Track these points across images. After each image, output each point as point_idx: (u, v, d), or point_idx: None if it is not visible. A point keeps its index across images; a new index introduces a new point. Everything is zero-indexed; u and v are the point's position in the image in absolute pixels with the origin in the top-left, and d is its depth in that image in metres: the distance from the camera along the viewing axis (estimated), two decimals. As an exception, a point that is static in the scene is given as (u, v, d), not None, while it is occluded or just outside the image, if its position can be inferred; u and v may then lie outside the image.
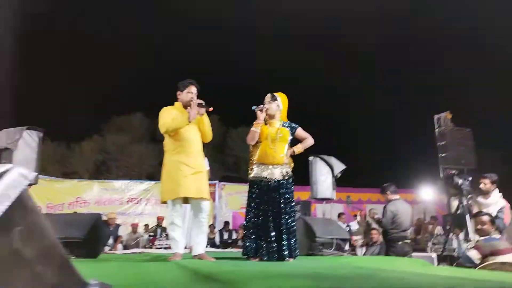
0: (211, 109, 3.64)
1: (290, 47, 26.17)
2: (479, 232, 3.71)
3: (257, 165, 3.66)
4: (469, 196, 4.64)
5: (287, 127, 3.74)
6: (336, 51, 24.66)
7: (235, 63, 25.38)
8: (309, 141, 3.78)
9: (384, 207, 5.46)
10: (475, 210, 4.50)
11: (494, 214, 4.33)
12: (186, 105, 3.65)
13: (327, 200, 7.12)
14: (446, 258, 6.21)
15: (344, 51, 24.20)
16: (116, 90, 23.09)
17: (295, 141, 3.81)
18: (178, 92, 3.75)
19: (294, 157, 3.78)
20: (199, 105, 3.60)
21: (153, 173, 16.56)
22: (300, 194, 11.29)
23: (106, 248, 7.62)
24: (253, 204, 3.60)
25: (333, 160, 6.96)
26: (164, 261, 3.46)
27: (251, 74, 24.17)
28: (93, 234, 4.07)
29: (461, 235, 5.55)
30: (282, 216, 3.51)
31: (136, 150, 18.88)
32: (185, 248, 4.91)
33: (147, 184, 12.11)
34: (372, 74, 25.40)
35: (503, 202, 4.64)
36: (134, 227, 9.69)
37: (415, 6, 21.76)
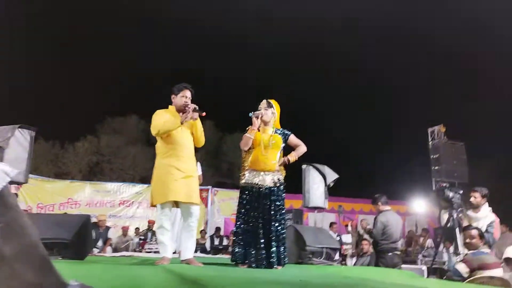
0: (203, 114, 3.63)
1: (287, 55, 26.30)
2: (468, 246, 3.71)
3: (249, 171, 3.66)
4: (459, 209, 4.65)
5: (280, 134, 3.74)
6: (334, 60, 24.86)
7: (231, 69, 25.48)
8: (302, 148, 3.78)
9: (375, 218, 5.46)
10: (465, 223, 4.51)
11: (484, 228, 4.34)
12: (179, 109, 3.64)
13: (319, 209, 7.11)
14: (436, 271, 6.22)
15: (340, 60, 24.40)
16: (112, 91, 23.08)
17: (287, 148, 3.81)
18: (173, 96, 3.74)
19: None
20: (193, 109, 3.59)
21: (147, 176, 16.46)
22: (293, 202, 11.28)
23: (95, 251, 7.56)
24: (243, 211, 3.59)
25: (326, 169, 6.96)
26: (151, 265, 3.43)
27: (247, 80, 24.29)
28: (81, 236, 4.03)
29: (451, 248, 5.55)
30: (272, 223, 3.50)
31: (130, 152, 18.78)
32: (175, 253, 4.88)
33: (139, 187, 12.04)
34: (367, 85, 25.59)
35: (492, 217, 4.65)
36: (125, 230, 9.61)
37: (408, 20, 22.02)
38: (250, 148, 3.69)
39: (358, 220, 10.93)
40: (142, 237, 9.17)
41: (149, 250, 7.75)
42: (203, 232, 10.20)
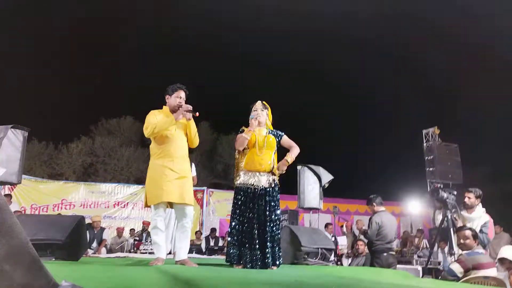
0: (197, 114, 3.63)
1: (282, 56, 26.36)
2: (462, 246, 3.72)
3: (244, 172, 3.65)
4: (453, 210, 4.67)
5: (273, 134, 3.75)
6: (330, 62, 24.93)
7: (226, 70, 25.49)
8: (296, 149, 3.78)
9: (370, 219, 5.48)
10: (459, 224, 4.53)
11: (478, 229, 4.36)
12: (173, 110, 3.64)
13: (314, 209, 7.11)
14: (431, 271, 6.24)
15: (336, 62, 24.47)
16: (107, 92, 23.00)
17: (281, 149, 3.81)
18: (167, 96, 3.74)
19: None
20: (187, 110, 3.58)
21: (141, 177, 16.41)
22: (289, 203, 11.30)
23: (90, 252, 7.51)
24: (238, 211, 3.58)
25: (321, 170, 6.96)
26: (145, 265, 3.41)
27: (242, 81, 24.29)
28: (75, 237, 4.00)
29: (446, 249, 5.58)
30: (267, 224, 3.49)
31: (124, 153, 18.70)
32: (170, 254, 4.86)
33: (134, 188, 12.00)
34: (362, 87, 25.68)
35: (486, 217, 4.68)
36: (120, 231, 9.58)
37: (404, 23, 22.15)
38: (244, 149, 3.70)
39: (353, 221, 10.96)
40: (137, 238, 9.14)
41: (144, 251, 7.72)
42: (198, 233, 10.19)
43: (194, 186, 4.00)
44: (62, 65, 23.33)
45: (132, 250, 8.50)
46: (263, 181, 3.58)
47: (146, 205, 3.61)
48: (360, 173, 21.80)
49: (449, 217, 4.56)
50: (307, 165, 6.84)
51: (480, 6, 17.68)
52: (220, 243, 10.02)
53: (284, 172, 3.65)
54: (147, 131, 3.53)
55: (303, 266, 4.19)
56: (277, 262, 3.48)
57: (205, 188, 12.45)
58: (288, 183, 6.61)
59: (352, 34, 23.01)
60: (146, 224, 9.29)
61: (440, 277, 4.23)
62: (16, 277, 1.10)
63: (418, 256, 7.66)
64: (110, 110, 21.06)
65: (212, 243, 10.04)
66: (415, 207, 12.65)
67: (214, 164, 21.14)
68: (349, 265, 6.85)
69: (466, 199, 4.62)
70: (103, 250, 8.23)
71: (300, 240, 4.37)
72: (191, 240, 5.37)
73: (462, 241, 3.71)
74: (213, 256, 8.09)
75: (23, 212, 9.50)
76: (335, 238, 8.02)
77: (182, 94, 3.71)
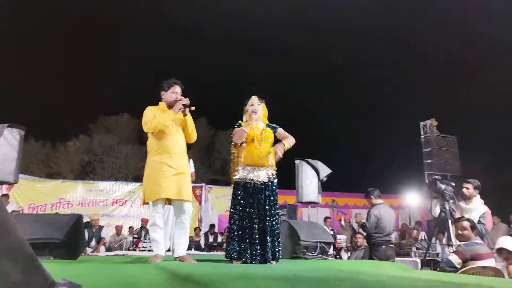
0: (193, 108, 3.61)
1: (279, 52, 26.31)
2: (460, 237, 3.74)
3: (243, 167, 3.64)
4: (451, 201, 4.68)
5: (269, 127, 3.75)
6: (326, 59, 24.90)
7: (224, 65, 25.41)
8: (292, 139, 3.74)
9: (368, 212, 5.49)
10: (457, 215, 4.54)
11: (476, 220, 4.38)
12: (170, 105, 3.62)
13: (313, 203, 7.12)
14: (430, 263, 6.26)
15: (333, 58, 24.45)
16: (104, 90, 22.93)
17: (277, 142, 3.80)
18: (162, 92, 3.72)
19: (281, 160, 3.75)
20: (184, 105, 3.57)
21: (140, 175, 16.36)
22: (287, 198, 11.31)
23: (89, 250, 7.51)
24: (238, 206, 3.57)
25: (319, 164, 6.97)
26: (144, 262, 3.41)
27: (240, 77, 24.23)
28: (73, 235, 3.99)
29: (444, 240, 5.60)
30: (267, 219, 3.49)
31: (122, 151, 18.69)
32: (168, 250, 4.86)
33: (132, 185, 11.98)
34: (361, 80, 25.66)
35: (484, 208, 4.69)
36: (118, 229, 9.56)
37: (401, 17, 22.11)
38: (241, 143, 3.68)
39: (351, 215, 10.99)
40: (136, 236, 9.13)
41: (143, 249, 7.71)
42: (197, 230, 10.19)
43: (192, 182, 3.99)
44: (59, 63, 23.22)
45: (131, 248, 8.49)
46: (262, 175, 3.58)
47: (144, 202, 3.59)
48: (358, 166, 21.84)
49: (447, 208, 4.58)
50: (305, 159, 6.86)
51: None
52: (219, 239, 10.03)
53: (281, 157, 3.61)
54: (147, 125, 3.51)
55: (302, 260, 4.20)
56: (277, 257, 3.49)
57: (203, 184, 12.46)
58: (287, 177, 6.62)
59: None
60: (144, 222, 9.28)
61: (438, 269, 4.25)
62: (12, 276, 1.09)
63: (417, 248, 7.68)
64: (107, 107, 21.03)
65: (211, 239, 10.05)
66: (413, 199, 12.69)
67: (212, 160, 21.15)
68: (348, 258, 6.88)
69: (464, 190, 4.64)
70: (102, 248, 8.23)
71: (299, 234, 4.37)
72: (190, 237, 5.38)
73: (460, 232, 3.72)
74: (212, 252, 8.10)
75: (21, 212, 9.48)
76: (334, 232, 8.04)
77: (177, 89, 3.70)
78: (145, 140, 3.82)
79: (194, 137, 3.79)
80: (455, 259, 3.46)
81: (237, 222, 3.53)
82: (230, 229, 3.59)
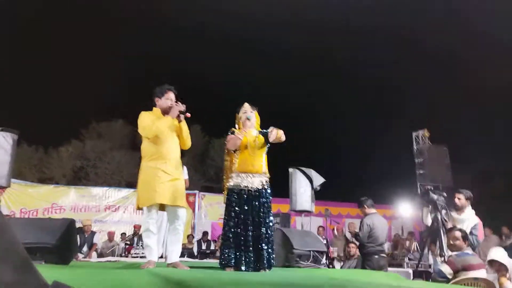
0: (188, 115, 3.63)
1: (274, 58, 26.41)
2: (452, 247, 3.76)
3: (237, 174, 3.65)
4: (443, 211, 4.71)
5: (261, 134, 3.76)
6: (318, 66, 25.07)
7: (219, 73, 25.47)
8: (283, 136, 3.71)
9: (361, 221, 5.50)
10: (449, 225, 4.57)
11: (468, 230, 4.40)
12: (165, 111, 3.63)
13: (306, 212, 7.12)
14: (422, 274, 6.27)
15: (325, 66, 24.61)
16: (98, 95, 22.84)
17: (272, 149, 3.82)
18: (156, 99, 3.72)
19: (274, 168, 3.77)
20: (179, 111, 3.59)
21: (133, 181, 16.28)
22: (280, 206, 11.29)
23: (80, 256, 7.43)
24: (232, 214, 3.56)
25: (312, 173, 6.99)
26: (137, 268, 3.38)
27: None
28: (65, 240, 3.95)
29: (437, 250, 5.62)
30: (261, 226, 3.49)
31: (115, 157, 18.59)
32: (161, 257, 4.82)
33: (125, 191, 11.90)
34: (352, 90, 25.84)
35: (476, 219, 4.72)
36: (111, 235, 9.48)
37: (392, 24, 22.32)
38: (235, 150, 3.70)
39: (344, 224, 10.99)
40: (128, 242, 9.06)
41: (135, 255, 7.65)
42: (190, 237, 10.13)
43: (186, 189, 3.98)
44: (52, 67, 23.13)
45: (123, 254, 8.42)
46: (256, 182, 3.59)
47: (138, 208, 3.58)
48: (351, 176, 21.88)
49: (439, 218, 4.60)
50: (298, 168, 6.87)
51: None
52: (212, 247, 9.97)
53: (273, 139, 3.57)
54: (146, 131, 3.51)
55: (295, 268, 4.19)
56: (270, 265, 3.48)
57: (197, 191, 12.41)
58: (280, 186, 6.63)
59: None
60: (137, 228, 9.23)
61: (430, 280, 4.26)
62: (4, 277, 1.09)
63: (409, 259, 7.70)
64: (100, 113, 20.95)
65: (204, 247, 9.99)
66: (406, 210, 12.74)
67: (206, 168, 21.11)
68: (341, 268, 6.87)
69: (456, 200, 4.67)
70: (94, 254, 8.15)
71: (292, 243, 4.37)
72: (182, 244, 5.36)
73: (452, 242, 3.74)
74: (205, 260, 8.05)
75: (12, 216, 9.37)
76: (327, 241, 8.04)
77: (171, 95, 3.71)
78: (139, 146, 3.82)
79: (188, 143, 3.80)
80: (447, 270, 3.47)
81: (231, 229, 3.52)
82: (224, 236, 3.58)
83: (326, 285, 2.05)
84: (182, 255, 4.71)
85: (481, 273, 3.42)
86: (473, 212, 4.71)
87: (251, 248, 3.42)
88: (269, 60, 25.65)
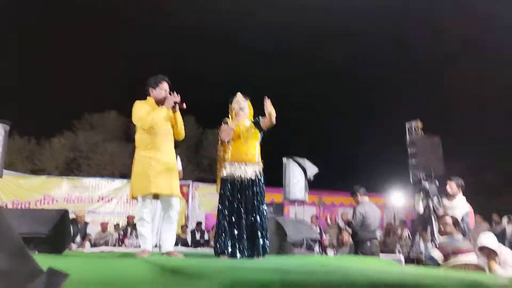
0: (184, 106, 3.63)
1: (267, 50, 26.30)
2: (442, 233, 3.82)
3: (230, 164, 3.66)
4: (435, 199, 4.77)
5: (254, 123, 3.77)
6: (311, 59, 25.03)
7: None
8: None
9: (354, 209, 5.55)
10: (440, 212, 4.64)
11: (459, 217, 4.47)
12: (159, 102, 3.62)
13: (300, 201, 7.18)
14: (413, 261, 6.37)
15: (319, 59, 24.58)
16: (91, 87, 22.65)
17: (266, 140, 3.83)
18: (150, 89, 3.70)
19: (268, 158, 3.77)
20: (174, 102, 3.58)
21: (126, 172, 16.26)
22: (274, 196, 11.34)
23: (74, 246, 7.43)
24: (226, 203, 3.58)
25: (306, 163, 7.03)
26: (131, 257, 3.40)
27: (230, 76, 24.19)
28: (59, 230, 3.94)
29: (428, 237, 5.71)
30: (256, 214, 3.52)
31: (108, 148, 18.49)
32: (155, 247, 4.84)
33: (119, 182, 11.86)
34: (345, 81, 25.86)
35: (467, 207, 4.80)
36: (104, 226, 9.47)
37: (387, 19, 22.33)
38: (228, 141, 3.71)
39: (338, 213, 11.09)
40: (122, 233, 9.07)
41: (129, 245, 7.68)
42: (184, 227, 10.16)
43: (179, 180, 3.98)
44: (44, 58, 22.84)
45: (117, 245, 8.43)
46: (250, 172, 3.61)
47: (133, 197, 3.59)
48: (344, 166, 22.02)
49: (431, 206, 4.66)
50: (292, 157, 6.90)
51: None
52: (206, 237, 10.01)
53: (269, 112, 3.57)
54: (141, 121, 3.49)
55: (288, 256, 4.23)
56: (264, 252, 3.51)
57: (190, 181, 12.40)
58: (273, 176, 6.65)
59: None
60: (130, 219, 9.23)
61: (422, 265, 4.32)
62: (0, 263, 1.09)
63: (401, 246, 7.81)
64: (93, 104, 20.78)
65: (198, 237, 10.02)
66: (398, 199, 12.87)
67: (199, 159, 21.10)
68: (334, 255, 6.94)
69: (448, 188, 4.74)
70: (87, 244, 8.15)
71: (285, 231, 4.41)
72: (176, 234, 5.37)
73: (442, 228, 3.80)
74: (199, 249, 8.10)
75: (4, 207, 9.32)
76: (321, 230, 8.11)
77: (166, 86, 3.70)
78: (132, 138, 3.80)
79: (182, 134, 3.81)
80: (437, 255, 3.53)
81: (226, 217, 3.55)
82: (218, 225, 3.60)
83: (320, 271, 2.08)
84: (175, 244, 4.73)
85: (471, 258, 3.48)
86: (464, 199, 4.78)
87: (245, 236, 3.45)
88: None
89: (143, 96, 3.77)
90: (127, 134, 18.48)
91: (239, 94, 3.87)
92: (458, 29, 19.03)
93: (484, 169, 17.54)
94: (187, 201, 11.73)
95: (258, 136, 3.74)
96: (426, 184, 4.76)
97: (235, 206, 3.54)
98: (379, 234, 7.53)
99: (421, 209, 4.93)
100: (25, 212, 5.02)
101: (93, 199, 11.22)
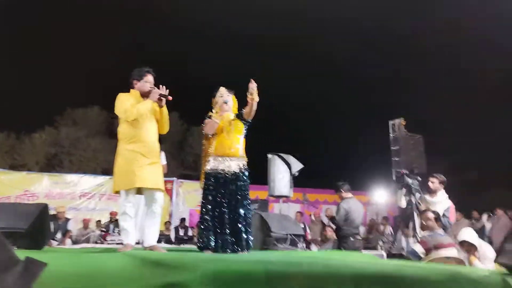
0: (170, 98, 3.58)
1: (254, 45, 26.23)
2: (424, 228, 3.88)
3: (214, 158, 3.63)
4: (417, 194, 4.84)
5: (238, 117, 3.75)
6: (296, 54, 25.09)
7: (219, 73, 25.17)
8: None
9: (338, 205, 5.58)
10: (422, 208, 4.71)
11: (440, 212, 4.55)
12: (144, 94, 3.56)
13: (284, 197, 7.19)
14: (395, 256, 6.45)
15: (303, 55, 24.65)
16: (74, 82, 22.25)
17: (250, 134, 3.82)
18: (134, 81, 3.64)
19: (253, 155, 3.76)
20: (160, 95, 3.53)
21: (109, 168, 16.05)
22: (259, 193, 11.34)
23: (54, 243, 7.28)
24: (210, 197, 3.55)
25: (291, 159, 7.04)
26: (112, 252, 3.34)
27: (215, 71, 24.04)
28: (38, 225, 3.85)
29: (410, 233, 5.79)
30: (239, 209, 3.50)
31: (91, 144, 18.21)
32: (138, 243, 4.78)
33: (101, 178, 11.67)
34: (331, 78, 25.98)
35: (449, 202, 4.88)
36: (86, 222, 9.32)
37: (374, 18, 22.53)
38: (213, 135, 3.68)
39: (322, 210, 11.15)
40: (104, 229, 8.94)
41: (111, 242, 7.57)
42: (167, 223, 10.08)
43: (164, 176, 3.93)
44: (25, 52, 22.33)
45: (98, 242, 8.30)
46: (234, 166, 3.59)
47: (116, 191, 3.52)
48: (328, 163, 22.16)
49: (413, 201, 4.73)
50: (277, 154, 6.91)
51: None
52: (190, 233, 9.95)
53: (253, 96, 3.56)
54: (126, 114, 3.41)
55: (272, 251, 4.23)
56: (248, 247, 3.50)
57: (175, 178, 12.31)
58: (258, 172, 6.64)
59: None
60: (113, 215, 9.10)
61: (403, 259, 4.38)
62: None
63: (383, 242, 7.90)
64: (76, 99, 20.41)
65: (181, 233, 9.96)
66: (381, 196, 13.03)
67: (184, 155, 20.97)
68: (318, 250, 6.98)
69: (430, 184, 4.81)
70: (68, 241, 8.01)
71: (270, 226, 4.40)
72: (159, 230, 5.32)
73: (424, 222, 3.86)
74: (182, 245, 8.04)
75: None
76: (305, 226, 8.14)
77: (150, 78, 3.64)
78: (115, 133, 3.73)
79: (167, 128, 3.76)
80: (419, 249, 3.59)
81: (209, 212, 3.52)
82: (202, 219, 3.57)
83: (303, 263, 2.08)
84: (159, 241, 4.68)
85: (452, 252, 3.54)
86: (446, 195, 4.87)
87: (228, 231, 3.43)
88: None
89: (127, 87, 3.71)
90: (110, 129, 18.21)
91: (222, 88, 3.84)
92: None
93: (465, 168, 17.90)
94: (171, 197, 11.64)
95: (242, 129, 3.71)
96: (409, 180, 4.82)
97: (218, 200, 3.52)
98: (362, 230, 7.62)
99: (403, 204, 5.00)
100: (3, 206, 4.88)
101: (75, 195, 11.04)
